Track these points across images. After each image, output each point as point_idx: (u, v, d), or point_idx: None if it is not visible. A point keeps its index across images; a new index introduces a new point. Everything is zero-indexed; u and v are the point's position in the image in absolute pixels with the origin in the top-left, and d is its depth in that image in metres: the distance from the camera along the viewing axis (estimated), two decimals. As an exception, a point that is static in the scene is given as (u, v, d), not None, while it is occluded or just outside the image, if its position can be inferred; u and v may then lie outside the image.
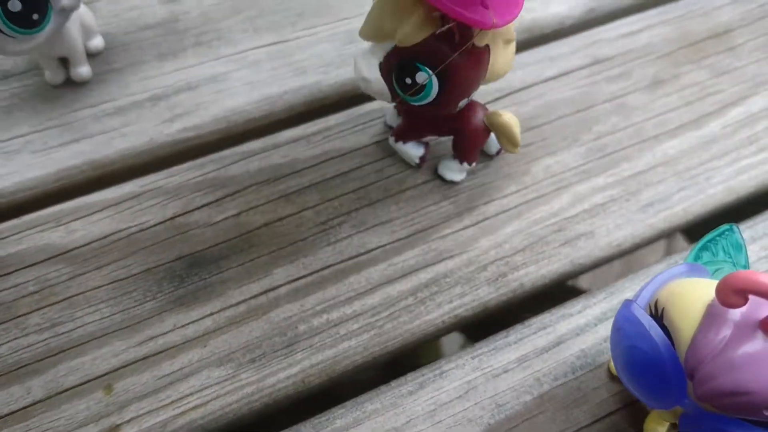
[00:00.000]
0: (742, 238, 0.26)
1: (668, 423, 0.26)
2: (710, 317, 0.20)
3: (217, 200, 0.32)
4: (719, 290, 0.19)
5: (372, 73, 0.28)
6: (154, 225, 0.31)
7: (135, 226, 0.31)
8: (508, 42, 0.28)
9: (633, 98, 0.36)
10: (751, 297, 0.19)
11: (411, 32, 0.25)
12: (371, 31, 0.27)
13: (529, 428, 0.27)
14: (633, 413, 0.27)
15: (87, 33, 0.35)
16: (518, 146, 0.30)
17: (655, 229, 0.32)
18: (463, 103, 0.29)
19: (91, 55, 0.36)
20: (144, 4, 0.39)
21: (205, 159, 0.33)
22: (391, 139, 0.33)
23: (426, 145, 0.32)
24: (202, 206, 0.32)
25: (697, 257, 0.26)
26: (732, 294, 0.19)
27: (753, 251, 0.32)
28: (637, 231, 0.32)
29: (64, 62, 0.35)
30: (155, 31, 0.38)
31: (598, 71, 0.37)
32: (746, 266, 0.25)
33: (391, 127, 0.34)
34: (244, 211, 0.32)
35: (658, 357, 0.21)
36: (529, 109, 0.36)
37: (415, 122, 0.31)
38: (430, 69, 0.26)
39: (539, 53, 0.38)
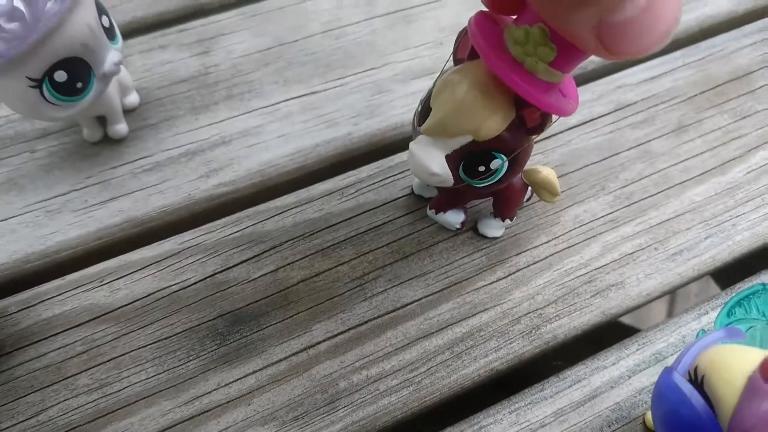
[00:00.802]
0: (776, 297, 0.26)
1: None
2: (752, 389, 0.21)
3: (255, 256, 0.33)
4: (763, 369, 0.20)
5: (441, 167, 0.27)
6: (195, 282, 0.32)
7: (176, 284, 0.32)
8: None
9: (658, 144, 0.37)
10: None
11: (495, 128, 0.25)
12: (443, 128, 0.26)
13: (569, 483, 0.27)
14: (670, 468, 0.27)
15: (123, 90, 0.36)
16: (558, 196, 0.31)
17: (684, 278, 0.33)
18: None
19: (127, 111, 0.37)
20: (175, 58, 0.40)
21: (241, 214, 0.34)
22: (431, 212, 0.33)
23: (465, 209, 0.33)
24: (241, 263, 0.32)
25: (730, 313, 0.27)
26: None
27: (782, 299, 0.32)
28: (666, 279, 0.33)
29: (101, 120, 0.36)
30: (188, 84, 0.39)
31: (621, 117, 0.38)
32: (780, 325, 0.26)
33: (420, 196, 0.34)
34: (281, 267, 0.32)
35: (700, 424, 0.22)
36: (556, 157, 0.36)
37: (454, 192, 0.31)
38: (505, 155, 0.27)
39: (563, 100, 0.39)
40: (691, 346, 0.24)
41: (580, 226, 0.34)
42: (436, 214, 0.33)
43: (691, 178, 0.36)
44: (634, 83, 0.40)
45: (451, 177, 0.27)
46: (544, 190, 0.31)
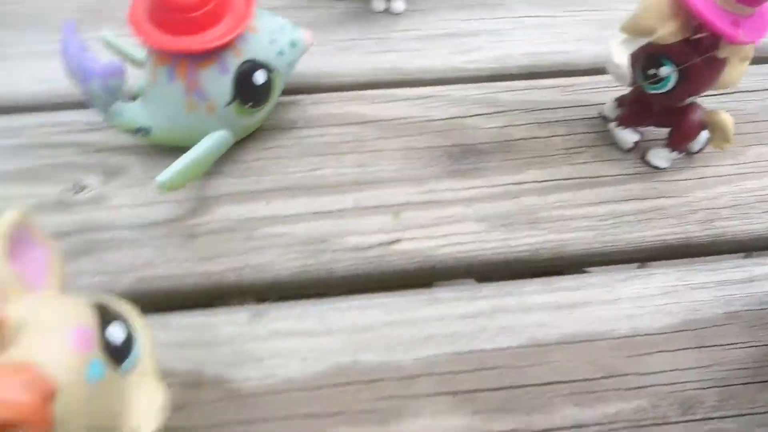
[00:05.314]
0: None
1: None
2: None
3: (488, 113, 0.41)
4: None
5: (622, 60, 0.35)
6: (439, 119, 0.41)
7: (425, 116, 0.41)
8: (743, 60, 0.34)
9: None
10: None
11: (669, 34, 0.31)
12: (632, 27, 0.33)
13: (716, 333, 0.33)
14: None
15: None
16: (730, 143, 0.35)
17: None
18: (689, 99, 0.36)
19: (403, -2, 0.47)
20: (444, -29, 0.50)
21: (482, 85, 0.43)
22: (612, 125, 0.39)
23: (641, 133, 0.39)
24: (476, 115, 0.41)
25: None
26: None
27: None
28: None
29: (387, -4, 0.46)
30: (452, -10, 0.49)
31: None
32: None
33: (605, 118, 0.41)
34: (507, 126, 0.41)
35: None
36: (750, 107, 0.42)
37: (639, 110, 0.37)
38: (674, 65, 0.33)
39: (766, 68, 0.45)
40: None
41: (764, 161, 0.40)
42: (617, 127, 0.39)
43: None
44: (835, 69, 0.45)
45: (628, 72, 0.35)
46: (720, 134, 0.35)
